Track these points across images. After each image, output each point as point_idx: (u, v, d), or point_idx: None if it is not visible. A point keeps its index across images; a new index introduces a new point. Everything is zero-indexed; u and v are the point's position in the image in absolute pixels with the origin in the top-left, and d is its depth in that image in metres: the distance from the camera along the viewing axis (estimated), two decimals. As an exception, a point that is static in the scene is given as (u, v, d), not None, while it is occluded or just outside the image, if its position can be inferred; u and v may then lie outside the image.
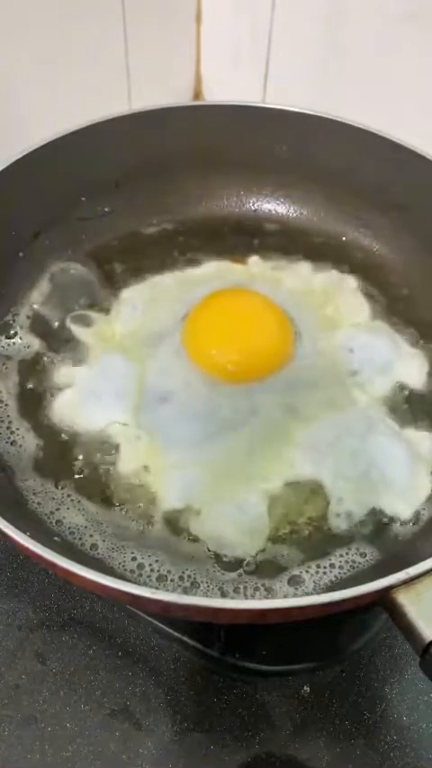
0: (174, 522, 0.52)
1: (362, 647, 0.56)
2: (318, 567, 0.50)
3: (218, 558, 0.50)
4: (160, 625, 0.55)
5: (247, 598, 0.48)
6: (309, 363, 0.61)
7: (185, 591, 0.48)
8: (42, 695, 0.53)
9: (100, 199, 0.72)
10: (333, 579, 0.50)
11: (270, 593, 0.49)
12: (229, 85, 0.98)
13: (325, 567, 0.50)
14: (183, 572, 0.49)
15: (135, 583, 0.44)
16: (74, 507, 0.53)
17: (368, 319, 0.66)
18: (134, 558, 0.50)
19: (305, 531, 0.52)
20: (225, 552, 0.50)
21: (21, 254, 0.66)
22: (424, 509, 0.53)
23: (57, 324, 0.64)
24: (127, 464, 0.55)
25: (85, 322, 0.64)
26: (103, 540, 0.51)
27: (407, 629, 0.39)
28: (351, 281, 0.70)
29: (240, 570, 0.50)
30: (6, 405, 0.58)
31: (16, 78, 0.77)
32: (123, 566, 0.49)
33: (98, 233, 0.72)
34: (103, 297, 0.67)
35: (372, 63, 0.81)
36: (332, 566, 0.50)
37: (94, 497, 0.53)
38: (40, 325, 0.64)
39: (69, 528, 0.51)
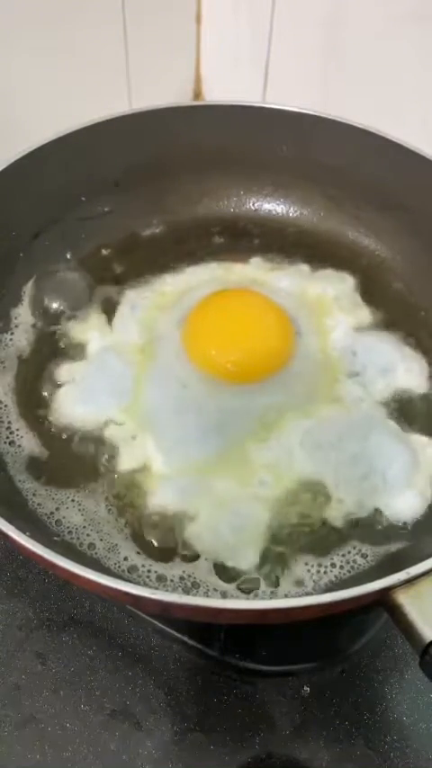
0: (171, 524, 0.52)
1: (362, 648, 0.55)
2: (318, 566, 0.50)
3: (216, 565, 0.50)
4: (160, 625, 0.55)
5: (247, 598, 0.48)
6: (309, 364, 0.61)
7: (185, 591, 0.48)
8: (42, 695, 0.53)
9: (100, 199, 0.72)
10: (333, 579, 0.50)
11: (270, 593, 0.49)
12: (229, 85, 0.98)
13: (325, 567, 0.50)
14: (183, 572, 0.49)
15: (135, 583, 0.44)
16: (73, 507, 0.52)
17: (368, 320, 0.66)
18: (133, 559, 0.50)
19: (305, 531, 0.52)
20: (222, 560, 0.50)
21: (21, 254, 0.66)
22: (424, 510, 0.53)
23: (55, 323, 0.64)
24: (124, 464, 0.55)
25: (85, 322, 0.64)
26: (101, 540, 0.51)
27: (407, 630, 0.39)
28: (351, 282, 0.70)
29: (238, 579, 0.49)
30: (5, 405, 0.58)
31: (17, 78, 0.77)
32: (121, 566, 0.50)
33: (98, 233, 0.72)
34: (103, 297, 0.67)
35: (372, 63, 0.80)
36: (332, 566, 0.50)
37: (93, 498, 0.53)
38: (38, 325, 0.64)
39: (68, 528, 0.51)
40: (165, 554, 0.50)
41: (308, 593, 0.49)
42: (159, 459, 0.54)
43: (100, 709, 0.52)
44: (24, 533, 0.41)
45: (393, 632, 0.56)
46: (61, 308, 0.65)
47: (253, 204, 0.78)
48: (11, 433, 0.57)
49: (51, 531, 0.51)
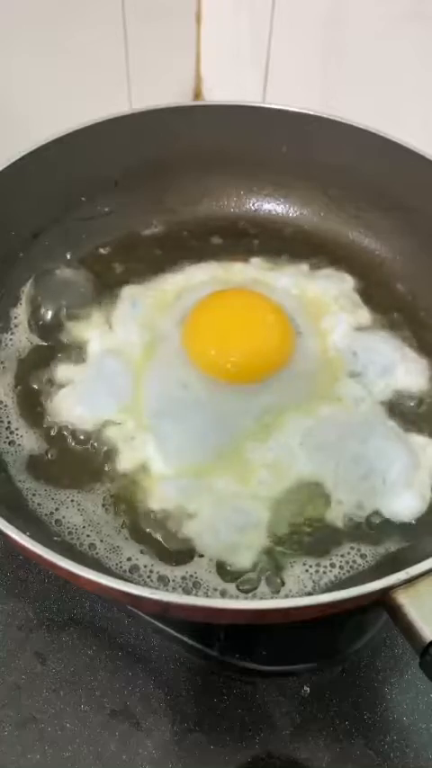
0: (172, 525, 0.52)
1: (362, 648, 0.55)
2: (317, 567, 0.50)
3: (216, 565, 0.50)
4: (160, 625, 0.55)
5: (246, 598, 0.48)
6: (309, 364, 0.61)
7: (186, 591, 0.48)
8: (42, 695, 0.53)
9: (100, 199, 0.72)
10: (333, 579, 0.50)
11: (270, 593, 0.49)
12: (229, 85, 0.98)
13: (325, 567, 0.50)
14: (185, 573, 0.49)
15: (136, 583, 0.44)
16: (73, 507, 0.52)
17: (368, 320, 0.66)
18: (134, 559, 0.50)
19: (305, 531, 0.52)
20: (222, 560, 0.50)
21: (21, 255, 0.66)
22: (424, 510, 0.53)
23: (55, 323, 0.64)
24: (124, 464, 0.55)
25: (84, 322, 0.64)
26: (102, 541, 0.51)
27: (407, 629, 0.39)
28: (351, 282, 0.70)
29: (239, 579, 0.49)
30: (5, 405, 0.58)
31: (17, 78, 0.77)
32: (123, 566, 0.50)
33: (98, 233, 0.72)
34: (103, 297, 0.66)
35: (372, 63, 0.81)
36: (332, 566, 0.50)
37: (93, 498, 0.53)
38: (38, 325, 0.64)
39: (68, 528, 0.51)
40: (165, 554, 0.50)
41: (308, 593, 0.49)
42: (159, 460, 0.54)
43: (100, 709, 0.52)
44: (24, 533, 0.41)
45: (393, 632, 0.56)
46: (61, 307, 0.65)
47: (253, 204, 0.78)
48: (11, 432, 0.57)
49: (51, 532, 0.51)
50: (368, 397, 0.59)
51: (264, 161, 0.75)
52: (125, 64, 0.87)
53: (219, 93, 1.00)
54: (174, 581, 0.49)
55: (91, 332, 0.63)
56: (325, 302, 0.67)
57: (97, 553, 0.50)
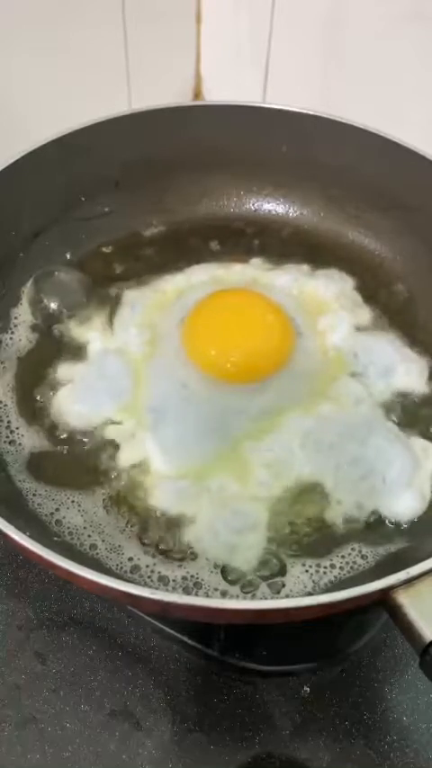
0: (171, 525, 0.52)
1: (362, 648, 0.56)
2: (317, 567, 0.50)
3: (217, 566, 0.50)
4: (160, 625, 0.55)
5: (247, 598, 0.48)
6: (309, 364, 0.61)
7: (187, 591, 0.48)
8: (42, 695, 0.53)
9: (100, 199, 0.72)
10: (333, 579, 0.50)
11: (270, 593, 0.49)
12: (229, 85, 0.98)
13: (325, 567, 0.50)
14: (185, 573, 0.49)
15: (136, 583, 0.44)
16: (73, 508, 0.52)
17: (368, 321, 0.66)
18: (135, 559, 0.50)
19: (305, 532, 0.52)
20: (222, 561, 0.50)
21: (21, 254, 0.66)
22: (423, 511, 0.53)
23: (55, 323, 0.64)
24: (124, 464, 0.55)
25: (85, 322, 0.64)
26: (103, 541, 0.51)
27: (407, 630, 0.39)
28: (351, 282, 0.70)
29: (239, 579, 0.49)
30: (5, 405, 0.58)
31: (17, 78, 0.77)
32: (123, 567, 0.49)
33: (98, 233, 0.72)
34: (103, 297, 0.67)
35: (372, 63, 0.81)
36: (332, 566, 0.50)
37: (93, 498, 0.53)
38: (38, 325, 0.64)
39: (69, 528, 0.51)
40: (165, 555, 0.50)
41: (308, 594, 0.49)
42: (159, 459, 0.54)
43: (100, 709, 0.52)
44: (24, 533, 0.41)
45: (393, 632, 0.56)
46: (61, 307, 0.65)
47: (253, 204, 0.78)
48: (11, 432, 0.57)
49: (51, 532, 0.51)
50: (368, 397, 0.59)
51: (264, 161, 0.75)
52: (125, 64, 0.87)
53: (219, 92, 1.00)
54: (174, 581, 0.49)
55: (91, 331, 0.64)
56: (325, 302, 0.67)
57: (98, 553, 0.50)
